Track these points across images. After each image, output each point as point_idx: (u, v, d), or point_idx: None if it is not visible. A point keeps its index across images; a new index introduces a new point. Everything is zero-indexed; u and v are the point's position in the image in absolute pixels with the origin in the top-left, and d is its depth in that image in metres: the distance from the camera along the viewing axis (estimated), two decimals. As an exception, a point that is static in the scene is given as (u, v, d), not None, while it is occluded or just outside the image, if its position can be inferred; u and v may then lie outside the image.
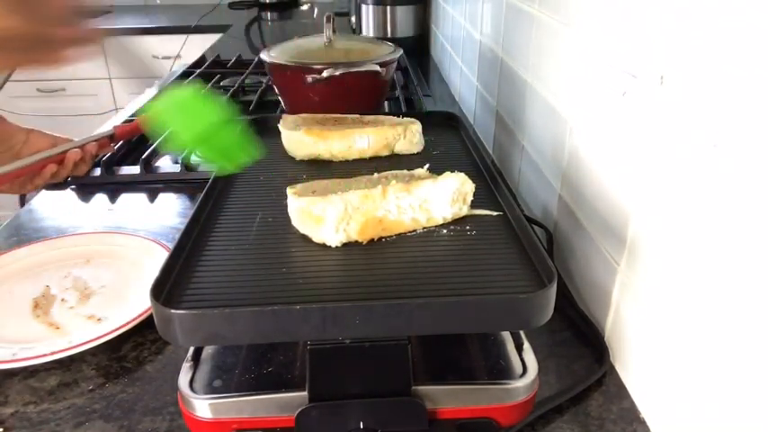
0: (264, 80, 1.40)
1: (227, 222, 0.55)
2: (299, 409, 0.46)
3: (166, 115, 0.55)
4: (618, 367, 0.58)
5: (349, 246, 0.50)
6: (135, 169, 0.99)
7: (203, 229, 0.53)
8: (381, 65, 1.02)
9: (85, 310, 0.66)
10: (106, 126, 1.15)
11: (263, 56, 1.06)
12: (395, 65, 1.10)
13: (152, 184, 0.97)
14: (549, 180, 0.77)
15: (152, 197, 0.94)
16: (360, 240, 0.51)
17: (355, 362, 0.46)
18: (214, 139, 0.54)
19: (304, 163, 0.69)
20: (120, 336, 0.61)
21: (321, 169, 0.67)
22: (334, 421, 0.47)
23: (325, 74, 0.98)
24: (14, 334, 0.62)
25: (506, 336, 0.53)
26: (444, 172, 0.54)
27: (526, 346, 0.51)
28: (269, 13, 2.87)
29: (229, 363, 0.50)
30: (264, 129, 0.77)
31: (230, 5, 2.90)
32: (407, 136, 0.70)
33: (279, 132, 0.70)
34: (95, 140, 0.86)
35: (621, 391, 0.56)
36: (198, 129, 0.53)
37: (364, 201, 0.50)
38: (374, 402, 0.46)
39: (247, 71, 1.49)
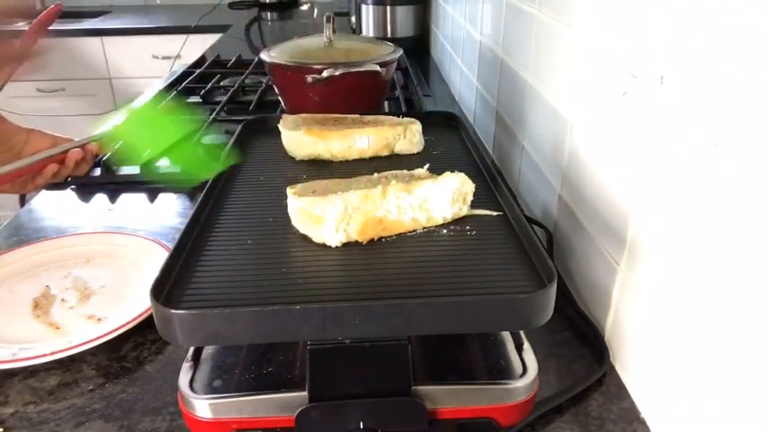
0: (264, 80, 1.40)
1: (227, 222, 0.55)
2: (299, 409, 0.46)
3: (129, 132, 0.56)
4: (618, 367, 0.58)
5: (349, 246, 0.50)
6: (135, 169, 0.98)
7: (203, 229, 0.53)
8: (381, 65, 1.01)
9: (85, 310, 0.66)
10: (106, 126, 1.15)
11: (263, 56, 1.06)
12: (395, 65, 1.10)
13: (152, 184, 0.97)
14: (549, 180, 0.77)
15: (152, 197, 0.94)
16: (360, 240, 0.51)
17: (355, 362, 0.46)
18: (176, 151, 0.54)
19: (304, 163, 0.69)
20: (120, 336, 0.61)
21: (321, 169, 0.67)
22: (334, 421, 0.47)
23: (325, 74, 0.98)
24: (14, 334, 0.62)
25: (506, 336, 0.53)
26: (444, 172, 0.54)
27: (526, 346, 0.51)
28: (269, 13, 2.87)
29: (229, 363, 0.50)
30: (264, 129, 0.77)
31: (230, 5, 2.90)
32: (407, 136, 0.70)
33: (279, 132, 0.70)
34: (96, 140, 0.86)
35: (621, 391, 0.56)
36: (159, 143, 0.54)
37: (364, 201, 0.50)
38: (374, 402, 0.46)
39: (247, 71, 1.49)
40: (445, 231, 0.53)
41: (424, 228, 0.53)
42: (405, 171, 0.58)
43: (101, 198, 0.94)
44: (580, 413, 0.53)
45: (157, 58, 2.56)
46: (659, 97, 0.48)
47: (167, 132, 0.54)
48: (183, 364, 0.50)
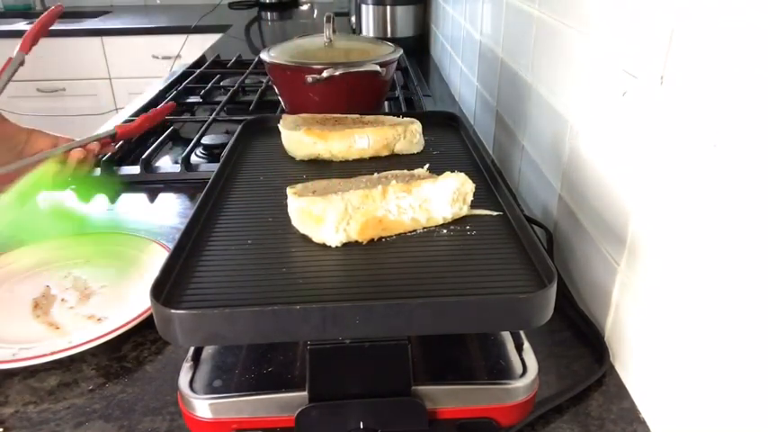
0: (264, 80, 1.40)
1: (227, 222, 0.55)
2: (299, 409, 0.46)
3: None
4: (618, 367, 0.58)
5: (349, 246, 0.50)
6: (135, 169, 0.99)
7: (203, 229, 0.53)
8: (381, 65, 1.02)
9: (85, 310, 0.66)
10: (107, 126, 1.15)
11: (263, 56, 1.06)
12: (395, 65, 1.10)
13: (152, 184, 0.97)
14: (549, 180, 0.77)
15: (152, 197, 0.94)
16: (360, 240, 0.51)
17: (355, 362, 0.46)
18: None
19: (304, 163, 0.69)
20: (120, 336, 0.61)
21: (321, 169, 0.67)
22: (334, 421, 0.47)
23: (325, 74, 0.98)
24: (14, 334, 0.62)
25: (506, 336, 0.53)
26: (444, 172, 0.54)
27: (526, 346, 0.51)
28: (269, 13, 2.87)
29: (229, 363, 0.50)
30: (264, 129, 0.77)
31: (230, 5, 2.90)
32: (407, 136, 0.70)
33: (279, 132, 0.70)
34: (97, 140, 0.86)
35: (621, 391, 0.56)
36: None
37: (364, 201, 0.50)
38: (374, 402, 0.46)
39: (247, 71, 1.49)
40: (445, 231, 0.53)
41: (424, 228, 0.53)
42: (405, 171, 0.58)
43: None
44: (580, 413, 0.53)
45: (157, 58, 2.56)
46: (659, 97, 0.48)
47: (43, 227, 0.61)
48: (183, 364, 0.50)
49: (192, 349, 0.51)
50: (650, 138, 0.50)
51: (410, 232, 0.53)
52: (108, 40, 2.57)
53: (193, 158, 1.03)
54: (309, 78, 0.99)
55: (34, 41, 0.86)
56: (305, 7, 2.95)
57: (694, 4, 0.43)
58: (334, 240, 0.50)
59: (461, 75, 1.38)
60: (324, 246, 0.50)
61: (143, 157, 0.99)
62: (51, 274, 0.72)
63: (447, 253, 0.50)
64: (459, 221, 0.54)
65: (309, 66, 1.00)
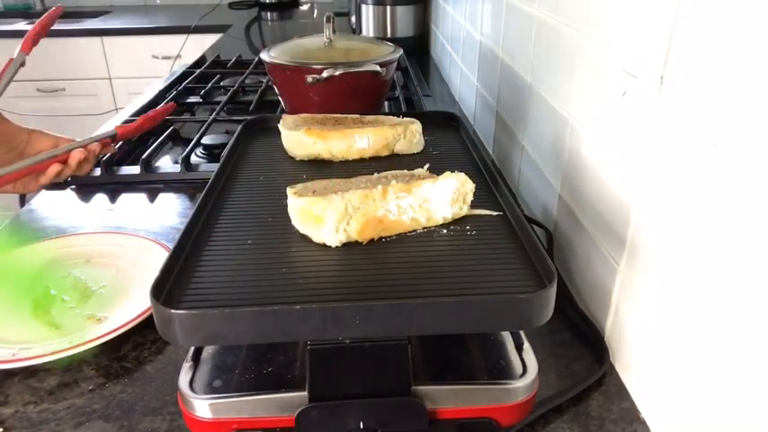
0: (264, 80, 1.40)
1: (227, 222, 0.55)
2: (299, 409, 0.46)
3: None
4: (618, 367, 0.58)
5: (349, 246, 0.50)
6: (135, 169, 0.99)
7: (203, 229, 0.53)
8: (381, 65, 1.01)
9: (85, 310, 0.66)
10: (107, 126, 1.15)
11: (263, 56, 1.06)
12: (395, 65, 1.10)
13: (152, 184, 0.97)
14: (549, 180, 0.77)
15: (152, 197, 0.94)
16: (360, 240, 0.51)
17: (355, 362, 0.46)
18: None
19: (304, 163, 0.69)
20: (120, 336, 0.61)
21: (321, 169, 0.67)
22: (334, 421, 0.47)
23: (325, 74, 0.98)
24: (14, 334, 0.62)
25: (506, 336, 0.53)
26: (444, 172, 0.54)
27: (526, 346, 0.51)
28: (269, 13, 2.87)
29: (229, 363, 0.50)
30: (264, 129, 0.77)
31: (230, 5, 2.90)
32: (407, 136, 0.70)
33: (279, 132, 0.70)
34: (98, 141, 0.86)
35: (621, 391, 0.56)
36: None
37: (364, 201, 0.50)
38: (374, 402, 0.46)
39: (247, 71, 1.49)
40: (445, 231, 0.53)
41: (424, 228, 0.53)
42: (405, 171, 0.58)
43: (101, 198, 0.94)
44: (580, 413, 0.53)
45: (157, 58, 2.56)
46: (659, 97, 0.48)
47: None
48: (183, 364, 0.50)
49: (192, 349, 0.51)
50: (650, 138, 0.50)
51: (410, 232, 0.53)
52: (108, 40, 2.57)
53: (193, 158, 1.03)
54: (309, 78, 0.99)
55: (35, 42, 0.86)
56: (305, 7, 2.95)
57: (694, 4, 0.43)
58: (334, 240, 0.50)
59: (461, 75, 1.38)
60: (324, 246, 0.50)
61: (143, 157, 0.99)
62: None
63: (447, 253, 0.50)
64: (459, 221, 0.54)
65: (309, 66, 1.00)
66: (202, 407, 0.47)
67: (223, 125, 1.19)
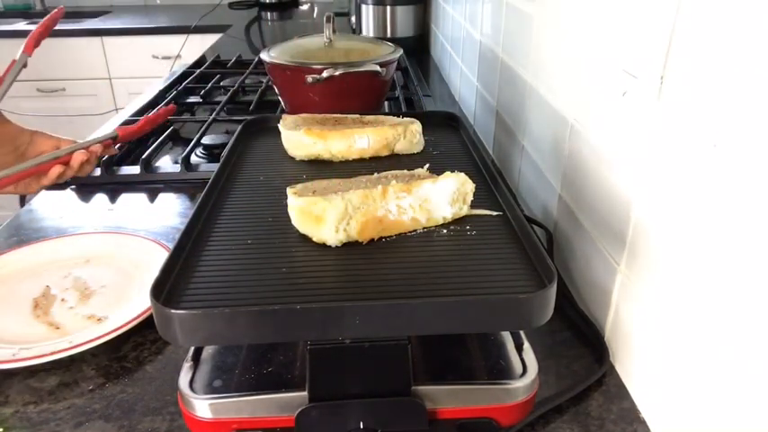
0: (264, 80, 1.40)
1: (227, 222, 0.55)
2: (299, 409, 0.46)
3: None
4: (618, 367, 0.58)
5: (349, 246, 0.50)
6: (135, 169, 0.99)
7: (203, 229, 0.53)
8: (381, 65, 1.02)
9: (85, 310, 0.66)
10: (107, 126, 1.15)
11: (263, 56, 1.06)
12: (395, 65, 1.10)
13: (152, 184, 0.97)
14: (549, 180, 0.77)
15: (152, 197, 0.94)
16: (360, 240, 0.51)
17: (355, 362, 0.46)
18: None
19: (304, 163, 0.69)
20: (120, 336, 0.61)
21: (321, 169, 0.67)
22: (334, 421, 0.47)
23: (325, 74, 0.98)
24: (14, 334, 0.62)
25: (506, 336, 0.53)
26: (444, 172, 0.54)
27: (526, 346, 0.51)
28: (269, 13, 2.87)
29: (229, 363, 0.50)
30: (264, 129, 0.77)
31: (230, 5, 2.90)
32: (407, 136, 0.70)
33: (279, 132, 0.70)
34: (99, 142, 0.86)
35: (621, 391, 0.56)
36: None
37: (364, 200, 0.50)
38: (374, 402, 0.46)
39: (247, 71, 1.49)
40: (445, 231, 0.53)
41: (424, 228, 0.53)
42: (405, 171, 0.58)
43: (101, 198, 0.94)
44: (580, 413, 0.53)
45: (157, 58, 2.57)
46: (659, 97, 0.48)
47: None
48: (183, 364, 0.50)
49: (192, 349, 0.51)
50: (650, 138, 0.50)
51: (410, 232, 0.53)
52: (108, 40, 2.57)
53: (193, 158, 1.03)
54: (309, 78, 0.99)
55: (37, 44, 0.86)
56: (305, 7, 2.95)
57: (694, 4, 0.43)
58: (334, 240, 0.50)
59: (461, 75, 1.38)
60: (324, 245, 0.50)
61: (143, 157, 0.99)
62: (51, 274, 0.72)
63: (447, 253, 0.50)
64: (459, 221, 0.54)
65: (309, 66, 1.00)
66: (202, 407, 0.47)
67: (223, 125, 1.19)
